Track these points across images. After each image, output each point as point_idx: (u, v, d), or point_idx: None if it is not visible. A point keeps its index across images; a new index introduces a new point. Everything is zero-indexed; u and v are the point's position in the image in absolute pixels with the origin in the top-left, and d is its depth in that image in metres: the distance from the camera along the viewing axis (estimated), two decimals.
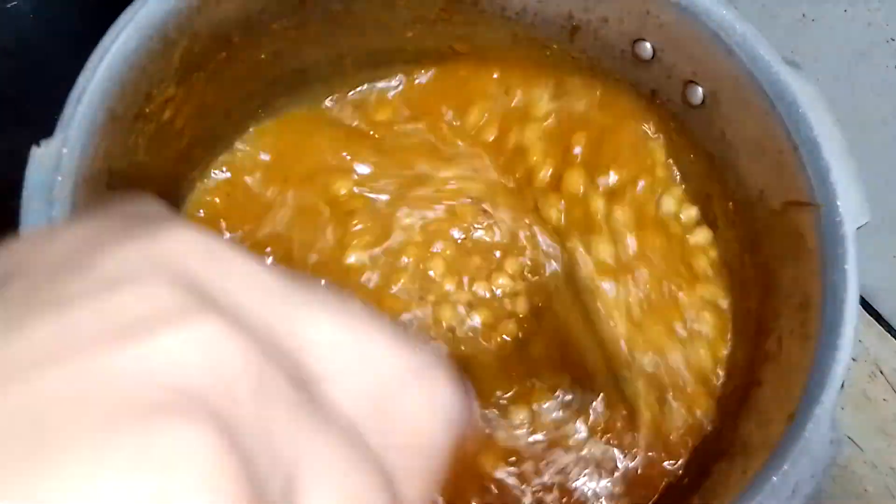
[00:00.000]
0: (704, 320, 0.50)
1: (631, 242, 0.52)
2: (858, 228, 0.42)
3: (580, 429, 0.48)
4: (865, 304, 0.66)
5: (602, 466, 0.47)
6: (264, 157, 0.54)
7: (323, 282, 0.49)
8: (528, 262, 0.53)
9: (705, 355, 0.49)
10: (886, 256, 0.62)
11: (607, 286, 0.51)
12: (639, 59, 0.52)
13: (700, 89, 0.49)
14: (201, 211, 0.52)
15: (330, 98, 0.57)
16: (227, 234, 0.51)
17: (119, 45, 0.41)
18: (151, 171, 0.46)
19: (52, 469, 0.13)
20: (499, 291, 0.52)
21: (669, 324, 0.50)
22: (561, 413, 0.49)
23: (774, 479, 0.37)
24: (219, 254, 0.18)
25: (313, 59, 0.56)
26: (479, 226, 0.54)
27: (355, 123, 0.57)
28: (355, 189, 0.54)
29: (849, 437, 0.60)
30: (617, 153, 0.53)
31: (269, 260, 0.48)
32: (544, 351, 0.51)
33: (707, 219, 0.52)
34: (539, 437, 0.48)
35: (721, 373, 0.49)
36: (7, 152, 0.57)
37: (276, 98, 0.56)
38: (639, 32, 0.51)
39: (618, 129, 0.54)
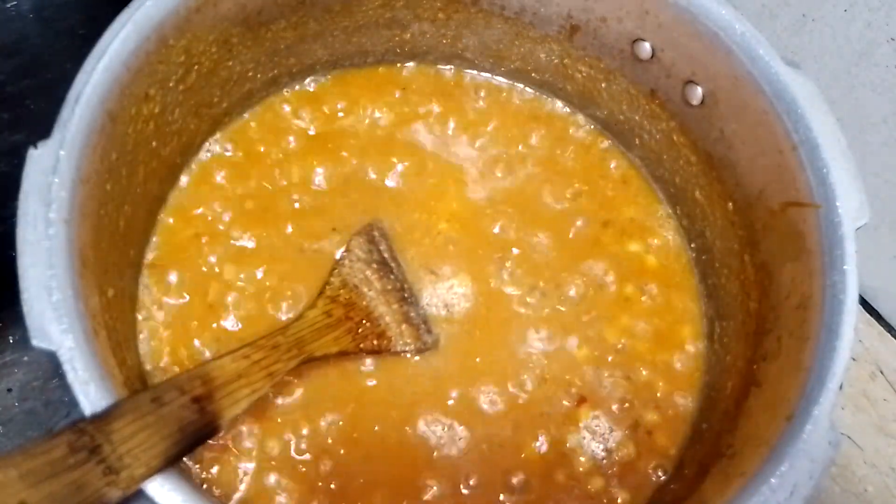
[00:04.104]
0: None
1: None
2: (858, 229, 0.42)
3: None
4: (865, 304, 0.66)
5: None
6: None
7: None
8: None
9: None
10: (887, 256, 0.62)
11: None
12: (638, 58, 0.52)
13: (699, 89, 0.49)
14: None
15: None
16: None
17: (117, 46, 0.41)
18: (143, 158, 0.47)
19: None
20: None
21: None
22: None
23: (773, 480, 0.37)
24: None
25: (311, 58, 0.56)
26: None
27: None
28: None
29: (849, 437, 0.60)
30: None
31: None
32: None
33: None
34: None
35: None
36: (5, 152, 0.58)
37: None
38: (638, 32, 0.51)
39: None
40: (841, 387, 0.39)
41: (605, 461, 0.48)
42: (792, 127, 0.44)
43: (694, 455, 0.48)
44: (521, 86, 0.60)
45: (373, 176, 0.55)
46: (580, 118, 0.59)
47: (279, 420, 0.47)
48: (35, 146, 0.38)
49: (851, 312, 0.40)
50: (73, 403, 0.35)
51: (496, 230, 0.54)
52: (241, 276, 0.51)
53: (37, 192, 0.38)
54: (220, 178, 0.53)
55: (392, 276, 0.51)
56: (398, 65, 0.59)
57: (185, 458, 0.43)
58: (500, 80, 0.60)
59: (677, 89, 0.51)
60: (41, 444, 0.33)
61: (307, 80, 0.57)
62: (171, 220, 0.51)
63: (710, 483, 0.43)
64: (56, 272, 0.37)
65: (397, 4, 0.54)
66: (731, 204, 0.50)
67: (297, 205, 0.53)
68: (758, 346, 0.46)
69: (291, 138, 0.55)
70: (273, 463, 0.46)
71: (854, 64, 0.56)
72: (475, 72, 0.60)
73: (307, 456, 0.46)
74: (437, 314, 0.51)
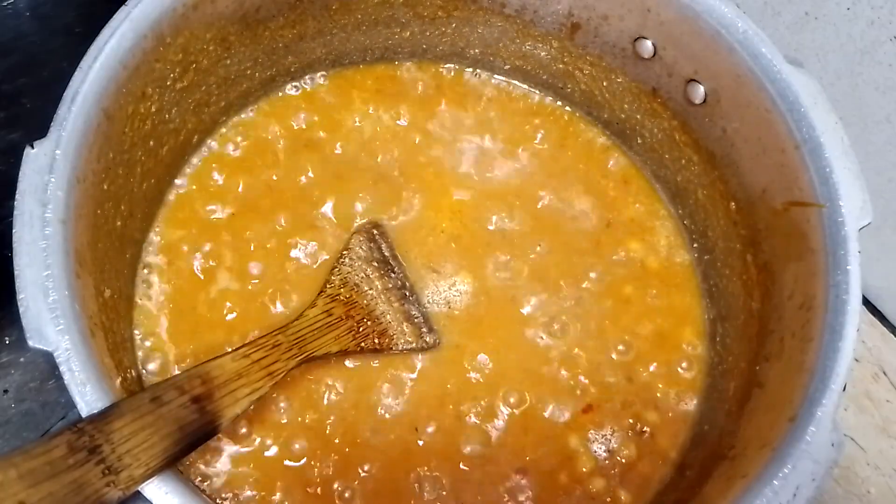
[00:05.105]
0: None
1: None
2: (861, 228, 0.41)
3: None
4: (869, 304, 0.65)
5: None
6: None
7: None
8: None
9: None
10: (890, 256, 0.62)
11: None
12: (640, 57, 0.52)
13: (701, 87, 0.49)
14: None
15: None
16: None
17: (114, 44, 0.41)
18: (141, 157, 0.47)
19: None
20: None
21: None
22: None
23: (775, 481, 0.37)
24: None
25: (309, 56, 0.56)
26: None
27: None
28: None
29: (851, 439, 0.60)
30: None
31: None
32: None
33: None
34: None
35: None
36: (1, 151, 0.57)
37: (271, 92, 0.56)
38: (639, 30, 0.51)
39: None
40: (844, 388, 0.38)
41: (606, 462, 0.48)
42: (794, 125, 0.43)
43: (696, 457, 0.47)
44: (522, 84, 0.60)
45: (372, 174, 0.55)
46: (581, 117, 0.59)
47: (278, 422, 0.47)
48: (31, 145, 0.38)
49: (855, 313, 0.40)
50: (71, 404, 0.35)
51: (497, 229, 0.54)
52: (241, 274, 0.50)
53: (33, 191, 0.38)
54: (218, 177, 0.53)
55: (393, 275, 0.51)
56: (397, 63, 0.59)
57: (182, 461, 0.43)
58: (501, 78, 0.60)
59: (679, 88, 0.51)
60: (40, 444, 0.33)
61: (306, 79, 0.57)
62: (168, 220, 0.51)
63: (713, 485, 0.42)
64: (52, 272, 0.36)
65: (396, 2, 0.54)
66: (733, 203, 0.50)
67: (296, 202, 0.53)
68: (760, 346, 0.46)
69: (290, 137, 0.55)
70: (272, 465, 0.46)
71: (857, 62, 0.56)
72: (475, 70, 0.59)
73: (305, 458, 0.46)
74: (438, 311, 0.51)
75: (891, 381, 0.62)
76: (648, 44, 0.51)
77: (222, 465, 0.45)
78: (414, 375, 0.49)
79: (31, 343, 0.35)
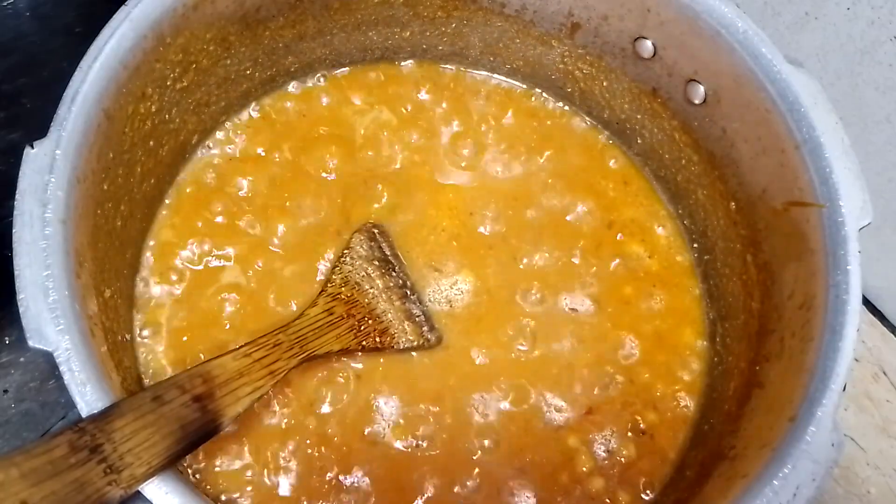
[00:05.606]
0: None
1: None
2: (861, 228, 0.41)
3: None
4: (869, 304, 0.66)
5: None
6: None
7: None
8: None
9: None
10: (890, 256, 0.62)
11: None
12: (640, 57, 0.52)
13: (701, 87, 0.49)
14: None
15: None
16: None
17: (114, 45, 0.41)
18: (141, 157, 0.47)
19: None
20: None
21: None
22: None
23: (775, 481, 0.37)
24: None
25: (309, 56, 0.56)
26: None
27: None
28: None
29: (851, 439, 0.60)
30: None
31: None
32: None
33: None
34: None
35: None
36: (1, 151, 0.57)
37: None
38: (639, 30, 0.51)
39: None
40: (844, 388, 0.38)
41: (606, 462, 0.48)
42: (794, 125, 0.43)
43: (696, 457, 0.47)
44: (522, 84, 0.60)
45: (373, 173, 0.55)
46: (581, 117, 0.59)
47: (277, 421, 0.47)
48: (31, 145, 0.38)
49: (855, 313, 0.40)
50: (71, 404, 0.35)
51: (498, 228, 0.54)
52: (241, 275, 0.50)
53: (33, 191, 0.38)
54: (218, 177, 0.53)
55: (394, 274, 0.51)
56: (397, 63, 0.59)
57: (182, 460, 0.43)
58: (501, 78, 0.60)
59: (679, 88, 0.51)
60: (42, 443, 0.33)
61: (306, 79, 0.57)
62: (168, 220, 0.51)
63: (712, 485, 0.42)
64: (52, 272, 0.36)
65: (396, 2, 0.54)
66: (733, 203, 0.50)
67: (296, 203, 0.53)
68: (760, 346, 0.46)
69: (290, 137, 0.55)
70: (271, 466, 0.46)
71: (857, 62, 0.56)
72: (475, 70, 0.60)
73: (305, 458, 0.46)
74: (440, 310, 0.51)
75: (891, 381, 0.62)
76: (648, 44, 0.51)
77: (222, 465, 0.45)
78: (415, 374, 0.49)
79: (31, 343, 0.35)
